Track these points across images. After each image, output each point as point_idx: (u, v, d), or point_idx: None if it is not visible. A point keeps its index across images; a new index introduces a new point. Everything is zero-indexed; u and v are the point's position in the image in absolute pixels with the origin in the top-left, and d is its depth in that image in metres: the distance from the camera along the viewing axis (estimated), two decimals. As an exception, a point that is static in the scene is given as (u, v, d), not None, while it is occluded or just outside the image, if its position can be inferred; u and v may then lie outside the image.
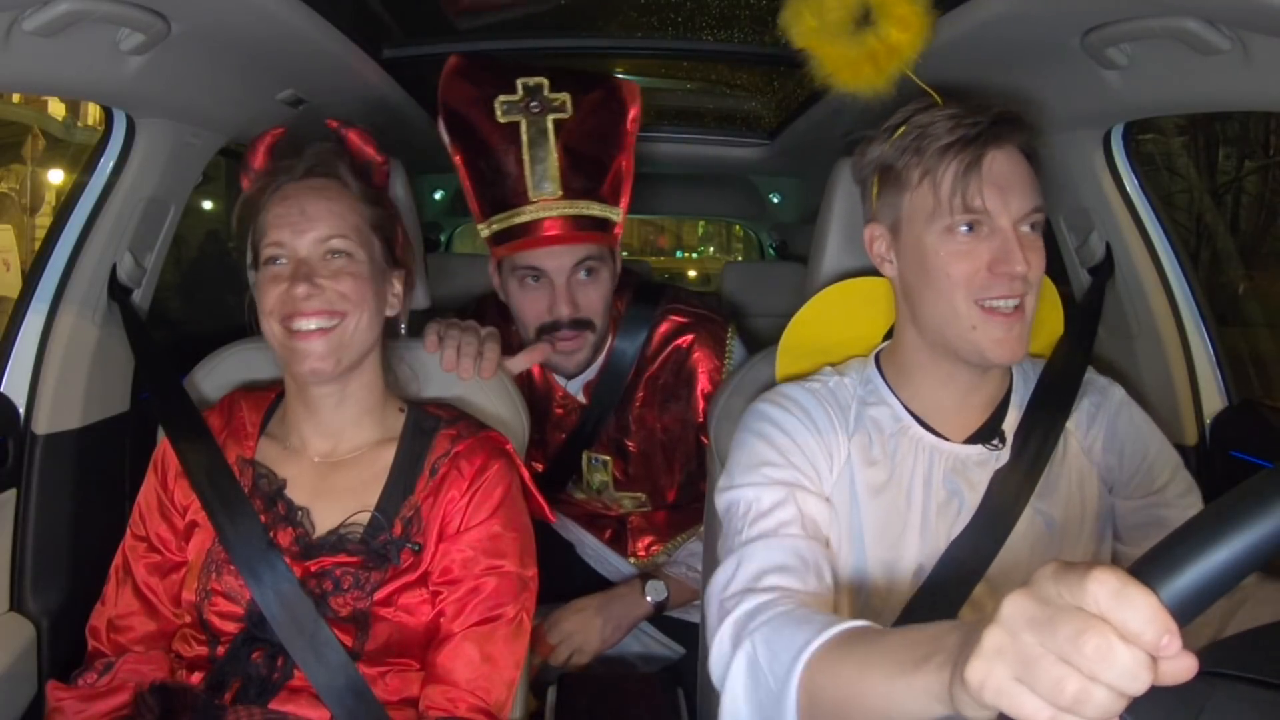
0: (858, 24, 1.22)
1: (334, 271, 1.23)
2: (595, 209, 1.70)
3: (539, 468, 1.96)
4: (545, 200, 1.67)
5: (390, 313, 1.32)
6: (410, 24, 1.95)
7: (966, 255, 1.12)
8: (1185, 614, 0.54)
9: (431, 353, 1.45)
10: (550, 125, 1.69)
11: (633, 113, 1.76)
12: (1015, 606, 0.58)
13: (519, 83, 1.71)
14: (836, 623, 0.87)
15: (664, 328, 1.86)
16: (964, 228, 1.12)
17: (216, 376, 1.48)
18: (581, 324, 1.74)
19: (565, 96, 1.71)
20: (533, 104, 1.69)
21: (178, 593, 1.27)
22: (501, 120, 1.69)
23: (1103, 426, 1.25)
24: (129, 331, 1.52)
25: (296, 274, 1.21)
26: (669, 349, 1.86)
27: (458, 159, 1.73)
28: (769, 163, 2.85)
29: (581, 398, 1.88)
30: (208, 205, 3.49)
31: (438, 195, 3.51)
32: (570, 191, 1.68)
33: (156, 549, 1.29)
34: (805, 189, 3.27)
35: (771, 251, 3.89)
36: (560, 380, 1.88)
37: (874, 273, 1.30)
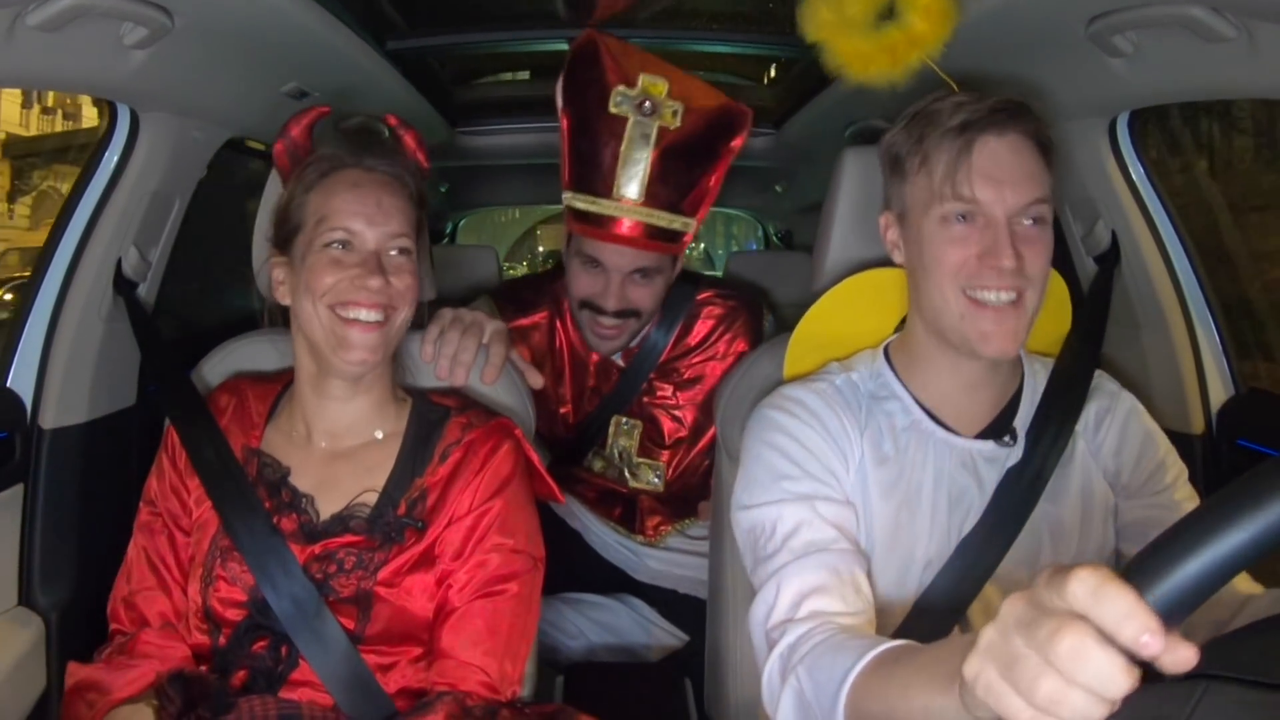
0: (880, 18, 1.21)
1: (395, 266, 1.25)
2: (668, 220, 1.74)
3: (570, 436, 1.99)
4: (625, 201, 1.71)
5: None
6: (413, 16, 1.96)
7: (958, 244, 1.12)
8: (1173, 614, 0.54)
9: (427, 362, 1.41)
10: (654, 131, 1.71)
11: (739, 138, 1.78)
12: (1010, 607, 0.59)
13: (641, 77, 1.72)
14: (873, 646, 0.89)
15: (703, 312, 1.96)
16: (957, 216, 1.12)
17: (224, 369, 1.47)
18: (627, 314, 1.82)
19: (679, 106, 1.72)
20: (645, 104, 1.71)
21: (187, 579, 1.27)
22: (612, 110, 1.71)
23: (1110, 432, 1.24)
24: (135, 326, 1.53)
25: (365, 263, 1.22)
26: (708, 329, 1.95)
27: (565, 125, 1.76)
28: (774, 152, 2.83)
29: (620, 361, 1.95)
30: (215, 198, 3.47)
31: (443, 188, 3.50)
32: (651, 199, 1.72)
33: (169, 526, 1.29)
34: (811, 179, 3.26)
35: (777, 241, 3.88)
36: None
37: (883, 263, 1.30)
